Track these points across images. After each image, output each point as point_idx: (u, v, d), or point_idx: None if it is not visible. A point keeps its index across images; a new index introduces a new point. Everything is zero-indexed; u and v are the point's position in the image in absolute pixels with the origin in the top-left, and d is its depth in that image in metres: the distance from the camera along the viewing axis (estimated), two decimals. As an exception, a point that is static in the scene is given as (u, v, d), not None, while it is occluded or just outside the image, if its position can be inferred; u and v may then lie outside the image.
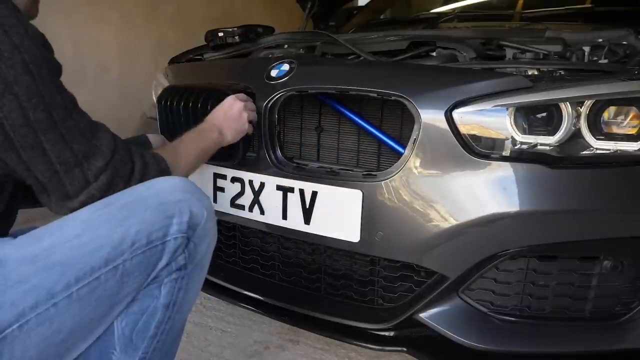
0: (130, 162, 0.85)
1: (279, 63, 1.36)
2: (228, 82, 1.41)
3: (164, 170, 0.91)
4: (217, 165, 1.38)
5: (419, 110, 1.15)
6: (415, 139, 1.16)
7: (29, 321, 0.73)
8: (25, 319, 0.73)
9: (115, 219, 0.79)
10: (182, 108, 1.40)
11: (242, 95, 1.27)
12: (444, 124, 1.14)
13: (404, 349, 1.24)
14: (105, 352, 0.86)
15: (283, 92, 1.30)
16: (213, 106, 1.25)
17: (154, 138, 1.31)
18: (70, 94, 0.82)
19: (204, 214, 0.86)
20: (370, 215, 1.19)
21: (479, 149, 1.14)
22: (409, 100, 1.17)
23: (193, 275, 0.88)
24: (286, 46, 1.71)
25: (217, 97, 1.28)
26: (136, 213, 0.80)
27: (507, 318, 1.19)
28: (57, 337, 0.76)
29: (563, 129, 1.11)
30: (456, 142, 1.14)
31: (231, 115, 1.20)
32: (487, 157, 1.13)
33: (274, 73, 1.34)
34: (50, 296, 0.74)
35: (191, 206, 0.84)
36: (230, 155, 1.32)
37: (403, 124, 1.27)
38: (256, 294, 1.43)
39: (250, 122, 1.25)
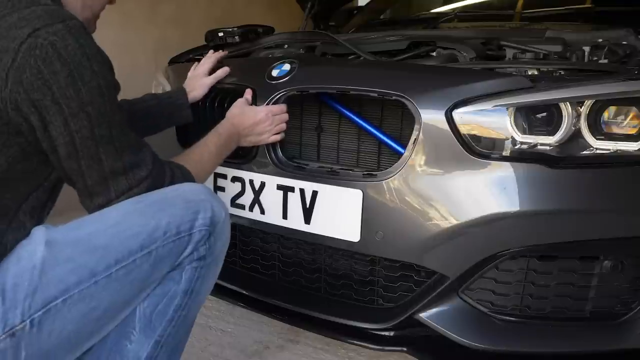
0: (164, 174, 0.96)
1: (280, 63, 1.36)
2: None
3: (187, 180, 1.02)
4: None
5: (419, 110, 1.15)
6: (415, 139, 1.16)
7: (72, 296, 0.81)
8: (69, 294, 0.81)
9: (149, 212, 0.89)
10: (206, 108, 1.44)
11: (277, 108, 1.29)
12: (444, 124, 1.14)
13: (404, 349, 1.24)
14: (124, 332, 0.93)
15: (284, 92, 1.30)
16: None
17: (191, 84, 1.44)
18: (123, 112, 0.93)
19: (222, 214, 0.96)
20: (370, 215, 1.19)
21: (479, 149, 1.14)
22: (409, 100, 1.17)
23: (210, 267, 0.96)
24: (286, 46, 1.71)
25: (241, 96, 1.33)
26: (167, 208, 0.90)
27: (507, 318, 1.19)
28: (93, 314, 0.85)
29: (563, 129, 1.11)
30: (456, 142, 1.14)
31: (258, 130, 1.27)
32: (487, 157, 1.13)
33: (274, 73, 1.34)
34: (92, 275, 0.83)
35: (213, 205, 0.94)
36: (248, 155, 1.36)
37: (403, 124, 1.28)
38: (256, 294, 1.43)
39: (277, 133, 1.31)
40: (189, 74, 1.48)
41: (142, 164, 0.92)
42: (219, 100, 1.42)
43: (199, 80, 1.44)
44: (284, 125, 1.31)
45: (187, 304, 0.95)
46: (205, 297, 1.01)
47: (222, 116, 1.41)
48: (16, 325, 0.78)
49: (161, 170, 0.95)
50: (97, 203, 0.89)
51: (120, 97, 0.95)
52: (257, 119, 1.26)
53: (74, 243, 0.84)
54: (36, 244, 0.83)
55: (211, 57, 1.49)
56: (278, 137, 1.31)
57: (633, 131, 1.11)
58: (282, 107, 1.30)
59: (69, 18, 0.84)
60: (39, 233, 0.85)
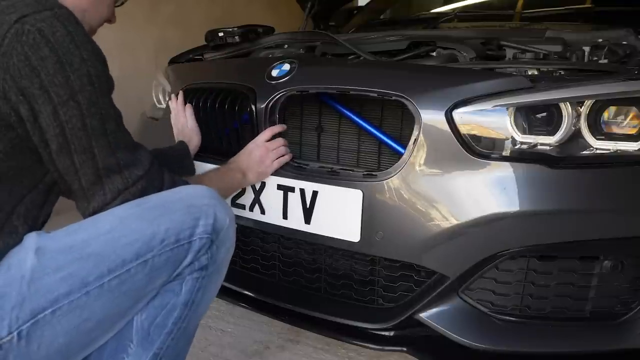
0: (162, 177, 0.93)
1: (280, 63, 1.36)
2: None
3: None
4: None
5: (419, 110, 1.15)
6: (415, 139, 1.16)
7: (62, 307, 0.78)
8: (58, 305, 0.78)
9: (146, 217, 0.85)
10: (207, 109, 1.43)
11: (266, 134, 1.28)
12: (444, 124, 1.14)
13: (404, 349, 1.24)
14: (122, 344, 0.90)
15: (284, 92, 1.30)
16: (240, 106, 1.34)
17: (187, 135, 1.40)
18: (119, 110, 0.89)
19: (226, 220, 0.92)
20: (371, 215, 1.19)
21: (479, 149, 1.14)
22: (409, 100, 1.17)
23: (212, 277, 0.93)
24: (286, 46, 1.71)
25: (241, 96, 1.34)
26: (166, 213, 0.86)
27: (508, 318, 1.19)
28: (85, 326, 0.81)
29: (563, 129, 1.11)
30: (456, 142, 1.14)
31: (253, 159, 1.25)
32: (487, 157, 1.13)
33: (274, 73, 1.34)
34: (84, 285, 0.79)
35: (216, 211, 0.90)
36: None
37: (403, 124, 1.28)
38: (256, 294, 1.43)
39: (280, 157, 1.28)
40: (175, 131, 1.44)
41: (139, 163, 0.88)
42: (219, 101, 1.43)
43: (186, 130, 1.41)
44: (282, 149, 1.29)
45: (187, 316, 0.92)
46: (208, 306, 0.97)
47: (223, 116, 1.41)
48: (3, 338, 0.75)
49: (159, 173, 0.92)
50: (92, 207, 0.86)
51: (121, 97, 0.95)
52: (249, 150, 1.26)
53: (66, 250, 0.81)
54: (26, 252, 0.80)
55: (179, 104, 1.45)
56: (284, 159, 1.29)
57: (633, 131, 1.11)
58: (268, 133, 1.28)
59: (58, 6, 0.83)
60: (30, 240, 0.82)
